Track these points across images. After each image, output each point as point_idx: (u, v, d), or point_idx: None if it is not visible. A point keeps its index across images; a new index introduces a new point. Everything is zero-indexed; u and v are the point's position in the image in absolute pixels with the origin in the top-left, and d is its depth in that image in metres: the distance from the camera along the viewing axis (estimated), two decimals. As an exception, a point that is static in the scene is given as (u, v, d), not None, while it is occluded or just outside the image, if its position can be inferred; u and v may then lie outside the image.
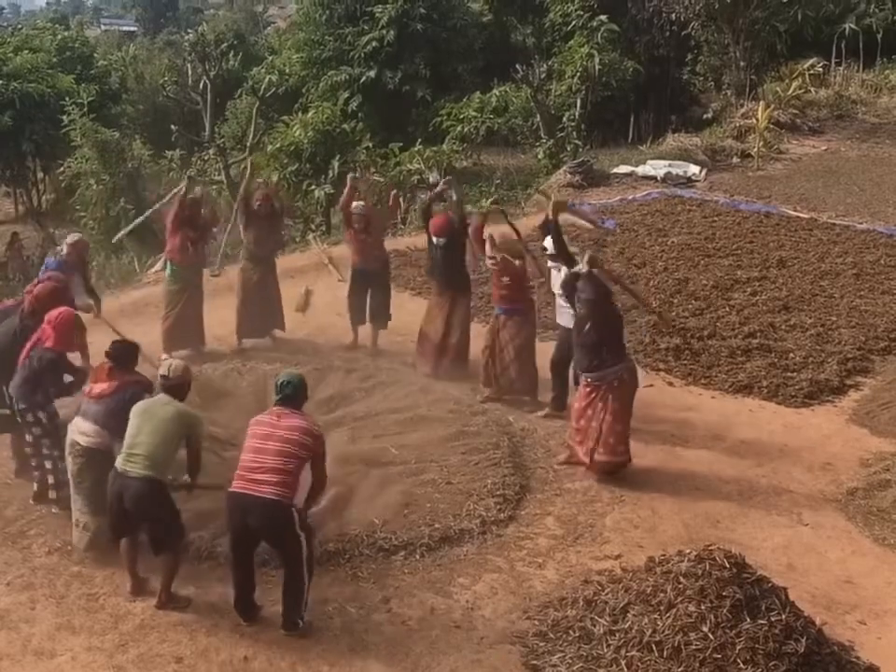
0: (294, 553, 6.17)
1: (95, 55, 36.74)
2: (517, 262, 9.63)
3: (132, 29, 67.35)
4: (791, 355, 11.14)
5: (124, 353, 7.15)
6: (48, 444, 7.46)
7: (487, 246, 9.81)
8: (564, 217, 9.77)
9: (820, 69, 27.82)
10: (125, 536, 6.62)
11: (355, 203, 11.10)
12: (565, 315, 9.15)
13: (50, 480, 7.52)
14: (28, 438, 7.59)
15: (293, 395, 6.35)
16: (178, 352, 10.38)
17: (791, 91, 25.93)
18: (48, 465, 7.51)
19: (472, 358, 10.44)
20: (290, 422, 6.20)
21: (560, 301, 9.20)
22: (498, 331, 9.77)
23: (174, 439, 6.49)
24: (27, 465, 7.88)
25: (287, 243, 14.70)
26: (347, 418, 9.11)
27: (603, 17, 28.06)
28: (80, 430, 6.87)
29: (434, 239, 10.46)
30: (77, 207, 20.22)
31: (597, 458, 8.36)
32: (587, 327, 8.20)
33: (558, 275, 9.26)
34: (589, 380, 8.34)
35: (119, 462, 6.41)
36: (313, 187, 20.16)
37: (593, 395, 8.32)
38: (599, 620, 6.07)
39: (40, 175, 30.67)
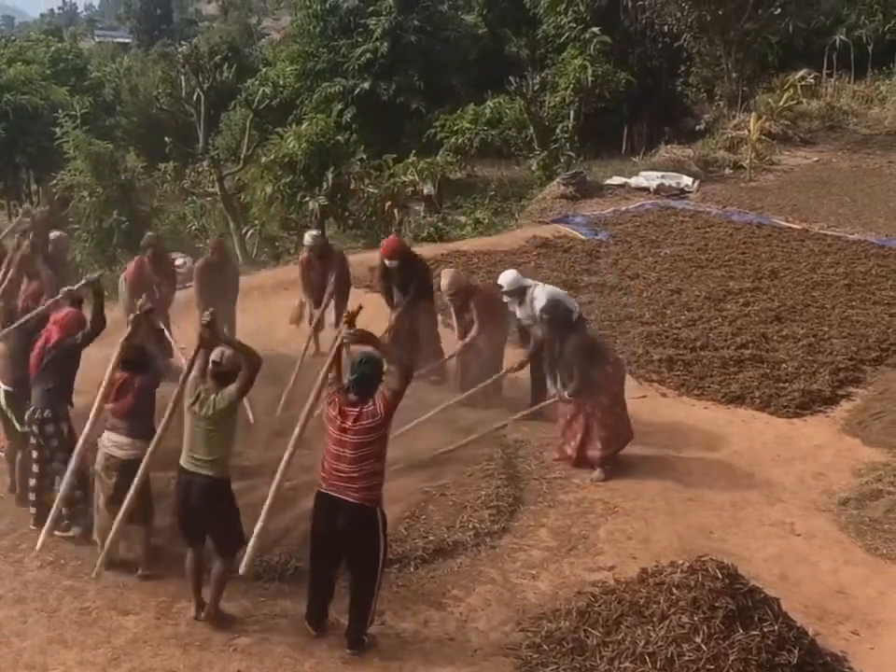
0: (372, 562, 6.17)
1: (89, 67, 36.90)
2: None
3: (126, 41, 67.41)
4: (784, 365, 11.17)
5: (138, 359, 7.08)
6: (63, 459, 7.31)
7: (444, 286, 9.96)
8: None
9: (812, 80, 27.99)
10: (195, 538, 6.54)
11: (307, 235, 11.30)
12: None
13: (63, 511, 7.31)
14: (36, 454, 7.48)
15: (370, 375, 6.17)
16: None
17: (782, 103, 26.07)
18: (56, 483, 7.36)
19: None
20: (359, 424, 6.08)
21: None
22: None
23: (230, 427, 6.46)
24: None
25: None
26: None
27: (596, 29, 28.21)
28: (116, 444, 6.84)
29: (386, 262, 10.31)
30: (71, 219, 20.19)
31: (591, 454, 8.60)
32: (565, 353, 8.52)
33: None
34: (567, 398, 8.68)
35: (183, 460, 6.40)
36: (307, 199, 20.16)
37: (577, 411, 8.68)
38: (592, 631, 6.07)
39: (34, 186, 30.71)
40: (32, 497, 7.58)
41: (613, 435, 8.66)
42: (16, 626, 6.51)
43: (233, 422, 6.49)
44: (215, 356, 6.42)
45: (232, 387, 6.35)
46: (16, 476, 8.01)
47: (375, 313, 11.17)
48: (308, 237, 11.18)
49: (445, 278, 10.03)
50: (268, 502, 6.41)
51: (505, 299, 9.70)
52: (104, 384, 7.00)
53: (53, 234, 9.82)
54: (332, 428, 6.14)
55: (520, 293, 9.58)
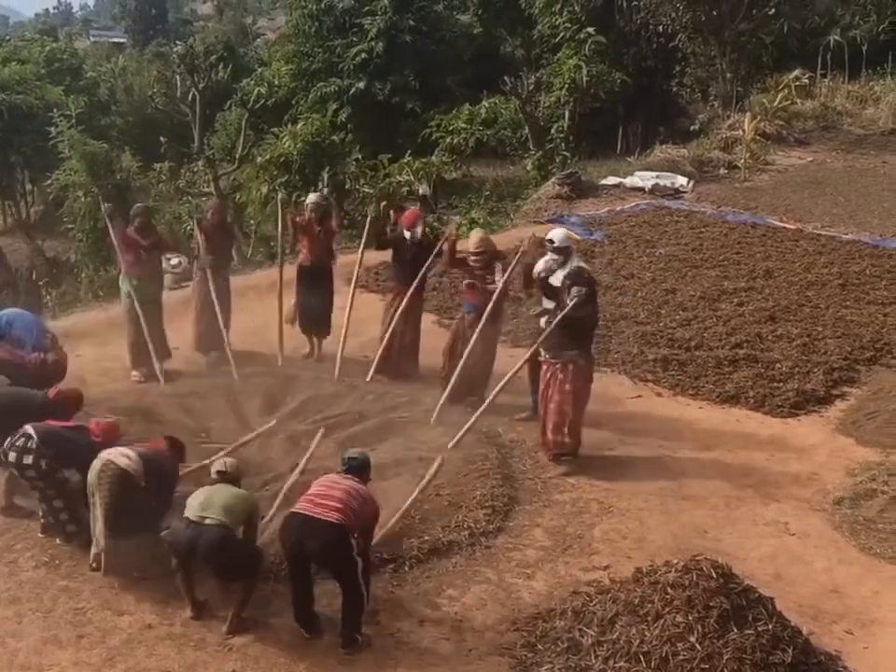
0: (350, 571, 6.28)
1: (84, 67, 36.80)
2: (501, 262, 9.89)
3: (121, 40, 67.22)
4: (778, 365, 11.19)
5: (179, 447, 7.45)
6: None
7: (472, 244, 9.95)
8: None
9: (806, 81, 27.98)
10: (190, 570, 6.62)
11: (311, 195, 11.50)
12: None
13: (63, 516, 7.37)
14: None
15: (357, 469, 6.67)
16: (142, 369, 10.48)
17: (777, 103, 26.10)
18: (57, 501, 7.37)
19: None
20: (352, 487, 6.46)
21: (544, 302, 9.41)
22: (465, 330, 9.82)
23: (243, 508, 6.59)
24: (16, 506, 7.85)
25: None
26: (336, 431, 9.12)
27: (590, 29, 28.17)
28: (122, 454, 6.89)
29: (407, 234, 10.52)
30: (66, 219, 20.16)
31: (546, 437, 8.78)
32: (574, 317, 8.49)
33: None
34: (547, 357, 8.75)
35: (191, 514, 6.45)
36: (302, 199, 20.13)
37: (549, 376, 8.72)
38: (587, 631, 6.08)
39: (28, 186, 30.65)
40: (43, 507, 7.49)
41: (563, 424, 8.70)
42: (11, 627, 6.52)
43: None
44: (219, 466, 6.80)
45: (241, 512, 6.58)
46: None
47: (368, 313, 11.26)
48: (312, 196, 11.44)
49: (475, 235, 10.16)
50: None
51: (550, 256, 9.45)
52: None
53: None
54: (324, 483, 6.52)
55: (568, 252, 9.42)
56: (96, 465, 6.87)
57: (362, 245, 11.02)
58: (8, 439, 7.26)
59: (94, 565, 7.01)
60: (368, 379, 10.26)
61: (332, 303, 11.24)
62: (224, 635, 6.43)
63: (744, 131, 23.06)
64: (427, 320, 11.64)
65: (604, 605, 6.21)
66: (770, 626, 5.73)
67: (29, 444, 7.15)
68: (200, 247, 10.94)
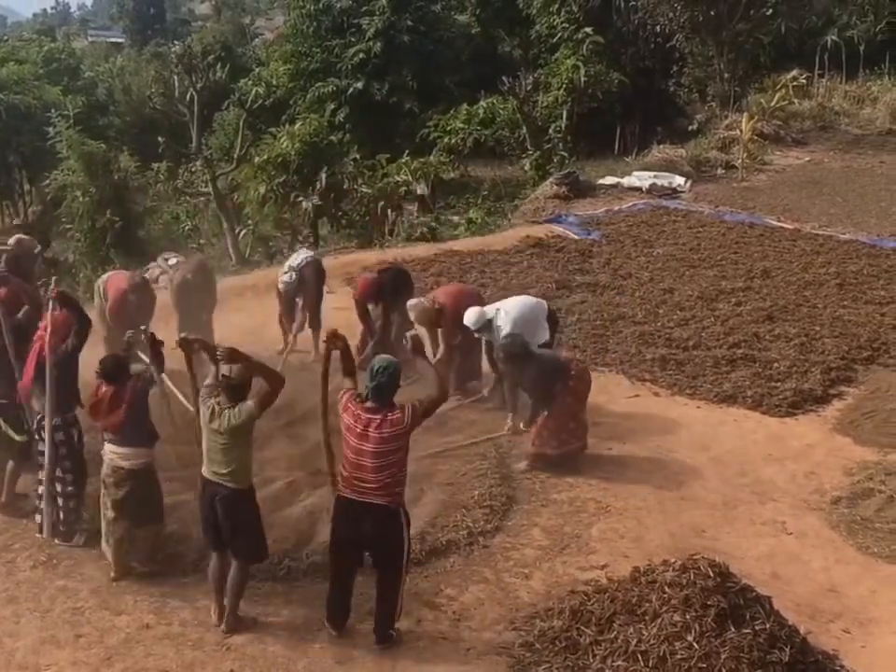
0: (398, 560, 6.25)
1: (82, 67, 36.84)
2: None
3: (119, 40, 67.29)
4: (776, 364, 11.18)
5: (115, 369, 7.02)
6: (68, 468, 7.32)
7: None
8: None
9: (804, 81, 28.01)
10: (218, 545, 6.53)
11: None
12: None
13: (61, 515, 7.36)
14: (42, 460, 7.37)
15: (388, 384, 6.16)
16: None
17: (774, 103, 26.12)
18: (59, 500, 7.34)
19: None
20: (380, 432, 6.08)
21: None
22: None
23: (247, 439, 6.44)
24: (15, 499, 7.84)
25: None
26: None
27: (588, 29, 28.25)
28: (120, 455, 6.83)
29: (370, 307, 10.72)
30: (64, 219, 20.16)
31: (529, 450, 8.77)
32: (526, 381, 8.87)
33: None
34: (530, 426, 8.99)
35: (204, 470, 6.41)
36: (300, 198, 20.18)
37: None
38: (585, 630, 6.08)
39: (27, 186, 30.65)
40: (39, 504, 7.47)
41: (550, 437, 8.70)
42: (8, 626, 6.52)
43: (249, 434, 6.45)
44: (224, 369, 6.39)
45: (251, 403, 6.32)
46: (3, 486, 7.92)
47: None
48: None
49: (412, 312, 10.11)
50: None
51: (476, 335, 9.81)
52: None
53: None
54: (350, 436, 6.14)
55: (487, 325, 9.67)
56: (104, 466, 6.88)
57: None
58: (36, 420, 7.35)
59: (114, 575, 6.97)
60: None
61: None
62: (223, 633, 6.41)
63: (741, 131, 23.07)
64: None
65: (602, 604, 6.21)
66: (767, 625, 5.72)
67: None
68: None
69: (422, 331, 9.72)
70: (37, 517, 7.50)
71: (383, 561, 6.34)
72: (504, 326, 9.55)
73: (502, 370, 9.38)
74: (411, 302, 10.25)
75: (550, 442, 8.71)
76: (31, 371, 7.48)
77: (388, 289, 10.67)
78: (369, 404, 6.15)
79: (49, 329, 7.41)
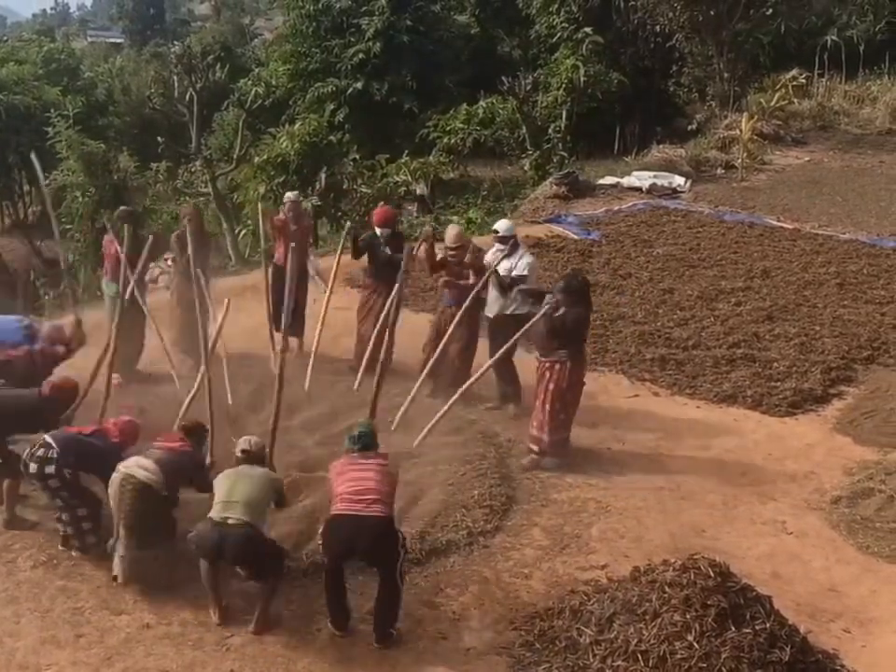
0: (394, 563, 6.35)
1: (82, 67, 36.73)
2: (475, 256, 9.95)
3: (118, 41, 67.21)
4: (775, 364, 11.20)
5: (198, 432, 7.35)
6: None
7: (449, 240, 10.01)
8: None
9: (803, 80, 27.99)
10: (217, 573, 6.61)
11: (288, 193, 11.58)
12: (494, 306, 9.76)
13: (85, 526, 7.24)
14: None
15: (370, 443, 6.71)
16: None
17: (774, 103, 26.10)
18: (64, 515, 7.24)
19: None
20: (377, 461, 6.61)
21: (494, 293, 9.72)
22: (445, 324, 9.73)
23: (267, 494, 6.65)
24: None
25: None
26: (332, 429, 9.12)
27: (588, 29, 28.21)
28: (140, 465, 6.83)
29: (378, 231, 10.63)
30: (64, 219, 20.14)
31: (530, 433, 8.82)
32: (561, 320, 8.58)
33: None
34: (537, 356, 8.87)
35: (214, 514, 6.44)
36: (300, 198, 20.16)
37: (539, 375, 8.81)
38: (585, 630, 6.09)
39: (26, 187, 30.60)
40: (58, 515, 7.36)
41: (550, 420, 8.74)
42: (9, 626, 6.52)
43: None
44: (243, 445, 6.79)
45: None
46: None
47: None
48: (290, 194, 11.56)
49: (452, 230, 10.22)
50: None
51: (496, 246, 9.87)
52: None
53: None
54: (349, 472, 6.49)
55: (513, 242, 9.78)
56: (116, 478, 6.82)
57: (338, 255, 10.81)
58: (27, 450, 7.10)
59: (118, 577, 6.93)
60: (357, 380, 10.03)
61: (306, 303, 11.19)
62: (251, 633, 6.44)
63: (741, 130, 23.06)
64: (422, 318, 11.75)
65: (602, 604, 6.22)
66: (768, 625, 5.73)
67: (49, 454, 6.98)
68: (177, 254, 10.83)
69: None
70: (60, 527, 7.38)
71: (379, 566, 6.42)
72: (526, 256, 9.83)
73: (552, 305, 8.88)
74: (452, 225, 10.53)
75: (559, 431, 8.77)
76: None
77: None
78: (357, 455, 6.65)
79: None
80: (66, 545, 7.30)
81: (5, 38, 44.67)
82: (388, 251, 10.55)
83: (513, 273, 9.66)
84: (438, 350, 9.32)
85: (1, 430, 7.51)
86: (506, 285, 9.60)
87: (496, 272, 9.56)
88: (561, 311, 8.58)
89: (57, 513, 7.30)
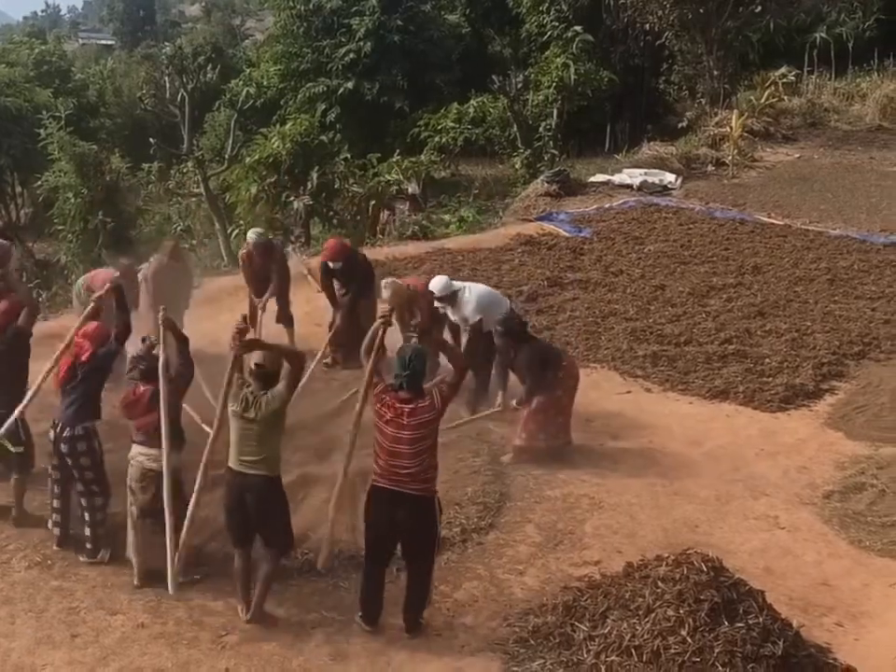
0: (430, 550, 6.37)
1: (73, 69, 36.74)
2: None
3: (109, 42, 67.19)
4: (767, 360, 11.23)
5: (154, 369, 7.01)
6: (91, 479, 7.15)
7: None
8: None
9: (793, 78, 28.06)
10: (244, 539, 6.56)
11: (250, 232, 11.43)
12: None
13: (87, 531, 7.21)
14: (58, 475, 7.23)
15: (421, 370, 6.31)
16: None
17: (763, 100, 26.15)
18: (86, 515, 7.19)
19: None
20: (416, 418, 6.21)
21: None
22: None
23: (281, 425, 6.51)
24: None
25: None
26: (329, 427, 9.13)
27: (578, 28, 28.27)
28: (150, 457, 6.80)
29: (330, 264, 10.67)
30: (56, 221, 20.13)
31: (516, 443, 8.83)
32: (518, 364, 8.86)
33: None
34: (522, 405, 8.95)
35: (232, 462, 6.41)
36: (291, 198, 20.18)
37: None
38: (579, 625, 6.11)
39: (18, 189, 30.55)
40: (55, 518, 7.36)
41: (538, 430, 8.79)
42: (4, 627, 6.52)
43: (283, 420, 6.53)
44: (257, 358, 6.47)
45: (281, 386, 6.41)
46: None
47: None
48: (251, 234, 11.30)
49: (386, 290, 10.07)
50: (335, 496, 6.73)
51: (437, 304, 9.83)
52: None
53: None
54: (387, 426, 6.23)
55: (451, 297, 9.74)
56: (132, 471, 6.85)
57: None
58: (52, 432, 7.14)
59: (138, 583, 6.92)
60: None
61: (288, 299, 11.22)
62: (245, 621, 6.45)
63: (731, 128, 23.11)
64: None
65: (595, 600, 6.24)
66: (761, 619, 5.74)
67: (77, 431, 7.06)
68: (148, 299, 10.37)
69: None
70: (55, 530, 7.39)
71: (414, 550, 6.42)
72: (470, 301, 9.68)
73: (496, 346, 9.16)
74: (385, 281, 10.28)
75: (536, 436, 8.80)
76: (64, 379, 7.29)
77: (359, 265, 10.84)
78: (402, 394, 6.26)
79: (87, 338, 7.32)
80: (63, 545, 7.28)
81: (-5, 40, 44.56)
82: (342, 289, 10.72)
83: (471, 323, 9.67)
84: None
85: None
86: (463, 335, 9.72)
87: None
88: (511, 353, 8.78)
89: (55, 515, 7.30)
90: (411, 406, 6.20)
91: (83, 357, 7.22)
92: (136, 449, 6.94)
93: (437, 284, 9.74)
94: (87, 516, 7.20)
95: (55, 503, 7.35)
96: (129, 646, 6.34)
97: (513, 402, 8.96)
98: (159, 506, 6.77)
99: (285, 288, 11.08)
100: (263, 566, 6.53)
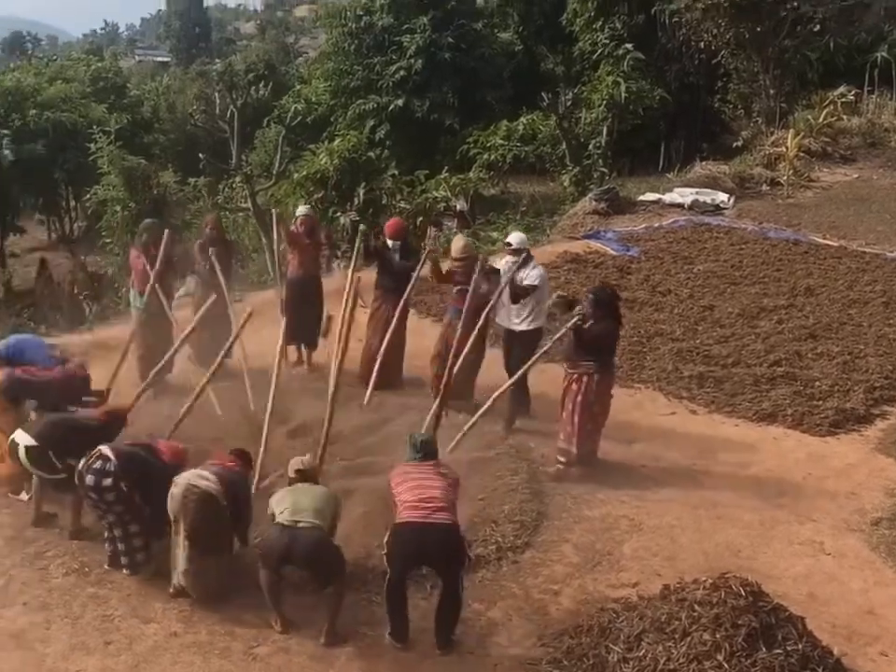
0: (460, 570, 6.43)
1: (129, 85, 37.47)
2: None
3: (165, 60, 68.49)
4: (817, 383, 10.99)
5: (247, 457, 7.41)
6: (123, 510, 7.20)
7: (455, 251, 10.13)
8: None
9: (852, 97, 27.64)
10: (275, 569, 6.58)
11: (300, 207, 11.75)
12: (509, 318, 9.89)
13: (136, 543, 7.20)
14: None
15: (431, 451, 6.87)
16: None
17: (821, 120, 25.79)
18: (132, 527, 7.18)
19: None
20: (437, 470, 6.71)
21: (505, 302, 9.78)
22: (452, 337, 9.64)
23: (331, 507, 6.67)
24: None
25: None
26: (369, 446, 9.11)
27: (629, 45, 28.17)
28: (201, 476, 6.83)
29: (389, 243, 10.69)
30: (104, 233, 20.45)
31: (558, 445, 8.79)
32: (590, 332, 8.57)
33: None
34: (565, 367, 8.85)
35: (283, 519, 6.46)
36: (338, 214, 20.31)
37: (565, 386, 8.78)
38: (614, 647, 5.99)
39: (72, 202, 31.15)
40: (107, 534, 7.33)
41: (575, 434, 8.73)
42: (40, 632, 6.56)
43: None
44: (296, 465, 6.86)
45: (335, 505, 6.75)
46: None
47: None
48: (301, 209, 11.68)
49: (458, 242, 10.32)
50: None
51: (508, 257, 9.99)
52: None
53: None
54: (411, 478, 6.58)
55: (525, 256, 9.84)
56: (177, 491, 6.77)
57: (353, 263, 10.44)
58: (83, 461, 7.07)
59: (173, 592, 6.92)
60: (368, 393, 9.98)
61: (322, 316, 11.13)
62: (323, 646, 6.42)
63: (787, 147, 22.82)
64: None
65: (631, 622, 6.12)
66: (800, 646, 5.60)
67: (107, 467, 6.95)
68: (199, 265, 10.93)
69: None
70: (106, 545, 7.36)
71: (445, 573, 6.44)
72: (537, 268, 9.87)
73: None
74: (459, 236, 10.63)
75: (586, 444, 8.75)
76: None
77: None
78: (419, 463, 6.77)
79: None
80: (114, 565, 7.25)
81: (54, 58, 45.56)
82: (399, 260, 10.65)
83: (525, 283, 9.69)
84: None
85: (64, 452, 7.51)
86: (521, 292, 9.65)
87: (512, 279, 9.63)
88: (590, 323, 8.55)
89: (105, 532, 7.28)
90: (432, 462, 6.78)
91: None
92: (190, 471, 6.96)
93: (516, 237, 10.15)
94: (133, 528, 7.17)
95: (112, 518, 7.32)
96: (161, 654, 6.35)
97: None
98: (201, 528, 6.77)
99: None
100: (330, 596, 6.52)
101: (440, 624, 6.44)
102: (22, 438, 7.61)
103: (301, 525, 6.38)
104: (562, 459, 8.78)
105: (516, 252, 9.91)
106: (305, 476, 6.84)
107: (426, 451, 6.80)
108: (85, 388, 8.71)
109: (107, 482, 6.94)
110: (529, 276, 9.73)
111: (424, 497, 6.35)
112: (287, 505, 6.51)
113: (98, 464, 6.97)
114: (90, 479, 6.96)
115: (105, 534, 7.31)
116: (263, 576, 6.53)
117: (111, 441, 7.45)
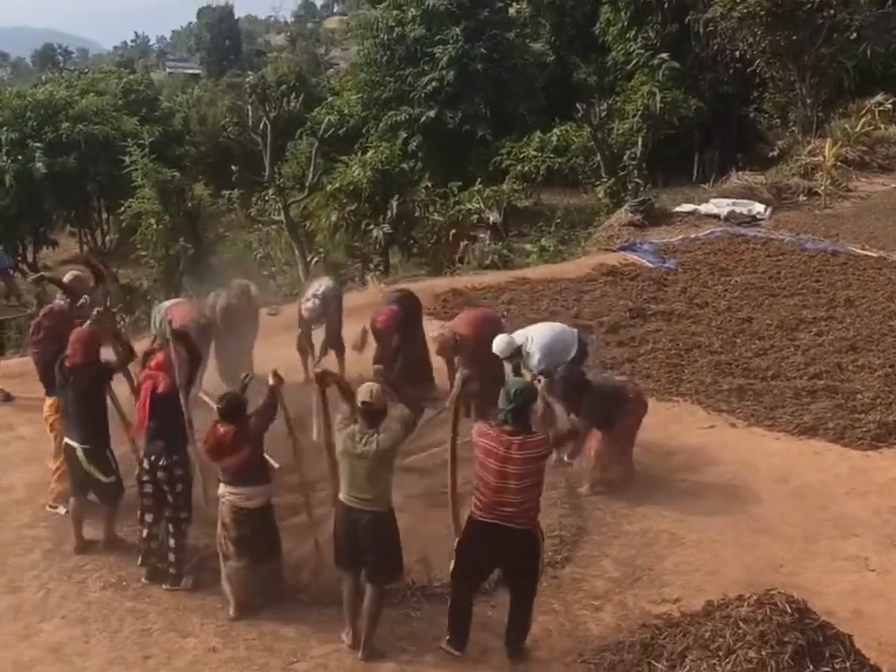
0: (534, 580, 6.40)
1: (160, 97, 37.80)
2: None
3: (196, 72, 69.06)
4: (859, 396, 10.81)
5: (234, 409, 6.93)
6: (183, 505, 7.24)
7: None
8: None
9: (890, 106, 27.32)
10: (353, 567, 6.49)
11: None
12: None
13: (171, 558, 7.23)
14: (150, 503, 7.26)
15: (525, 405, 6.31)
16: None
17: (859, 128, 25.50)
18: (171, 541, 7.22)
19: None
20: (524, 452, 6.15)
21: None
22: None
23: (390, 465, 6.45)
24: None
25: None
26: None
27: (664, 55, 28.03)
28: (242, 496, 6.78)
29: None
30: (138, 246, 20.58)
31: (594, 474, 8.74)
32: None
33: None
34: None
35: (344, 497, 6.39)
36: (371, 226, 20.33)
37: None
38: (657, 665, 5.90)
39: (104, 215, 31.37)
40: (144, 546, 7.36)
41: (611, 461, 8.72)
42: (78, 646, 6.58)
43: (394, 458, 6.50)
44: (363, 395, 6.36)
45: (397, 425, 6.38)
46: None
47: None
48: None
49: (434, 343, 9.99)
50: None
51: (506, 364, 9.56)
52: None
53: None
54: (492, 460, 6.18)
55: (516, 354, 9.47)
56: (223, 509, 6.82)
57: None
58: (145, 459, 7.19)
59: (235, 614, 6.89)
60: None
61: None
62: (361, 660, 6.38)
63: (824, 157, 22.53)
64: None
65: (674, 638, 6.02)
66: (848, 664, 5.48)
67: (175, 457, 7.16)
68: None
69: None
70: (150, 545, 7.37)
71: (518, 580, 6.42)
72: (533, 354, 9.43)
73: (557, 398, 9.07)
74: (432, 335, 10.16)
75: (612, 467, 8.71)
76: (145, 413, 7.29)
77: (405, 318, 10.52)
78: (507, 427, 6.23)
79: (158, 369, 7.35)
80: (152, 579, 7.26)
81: (86, 70, 46.06)
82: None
83: (536, 372, 9.42)
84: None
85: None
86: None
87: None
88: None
89: (146, 535, 7.30)
90: (518, 440, 6.15)
91: (160, 389, 7.24)
92: (225, 489, 6.85)
93: (499, 346, 9.43)
94: (172, 542, 7.20)
95: (145, 532, 7.34)
96: (200, 669, 6.34)
97: (564, 457, 8.86)
98: (252, 544, 6.80)
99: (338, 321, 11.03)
100: (368, 600, 6.40)
101: (509, 633, 6.48)
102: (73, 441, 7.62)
103: (362, 507, 6.29)
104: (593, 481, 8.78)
105: (510, 359, 9.46)
106: (371, 409, 6.30)
107: (518, 403, 6.17)
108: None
109: (178, 471, 7.16)
110: (534, 367, 9.43)
111: (498, 500, 6.11)
112: (348, 474, 6.35)
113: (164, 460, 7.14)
114: (161, 475, 7.11)
115: (143, 546, 7.31)
116: (346, 588, 6.51)
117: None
